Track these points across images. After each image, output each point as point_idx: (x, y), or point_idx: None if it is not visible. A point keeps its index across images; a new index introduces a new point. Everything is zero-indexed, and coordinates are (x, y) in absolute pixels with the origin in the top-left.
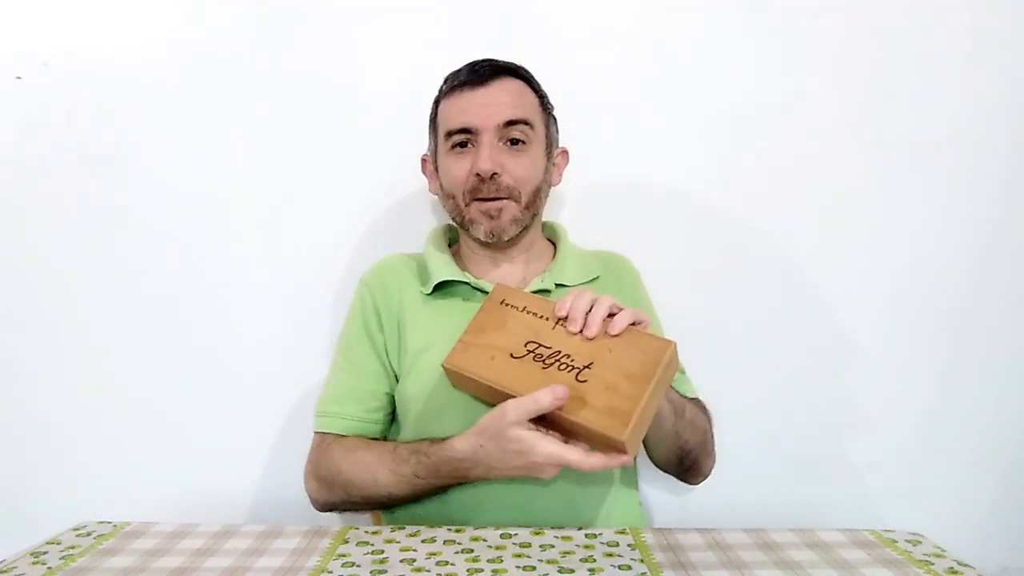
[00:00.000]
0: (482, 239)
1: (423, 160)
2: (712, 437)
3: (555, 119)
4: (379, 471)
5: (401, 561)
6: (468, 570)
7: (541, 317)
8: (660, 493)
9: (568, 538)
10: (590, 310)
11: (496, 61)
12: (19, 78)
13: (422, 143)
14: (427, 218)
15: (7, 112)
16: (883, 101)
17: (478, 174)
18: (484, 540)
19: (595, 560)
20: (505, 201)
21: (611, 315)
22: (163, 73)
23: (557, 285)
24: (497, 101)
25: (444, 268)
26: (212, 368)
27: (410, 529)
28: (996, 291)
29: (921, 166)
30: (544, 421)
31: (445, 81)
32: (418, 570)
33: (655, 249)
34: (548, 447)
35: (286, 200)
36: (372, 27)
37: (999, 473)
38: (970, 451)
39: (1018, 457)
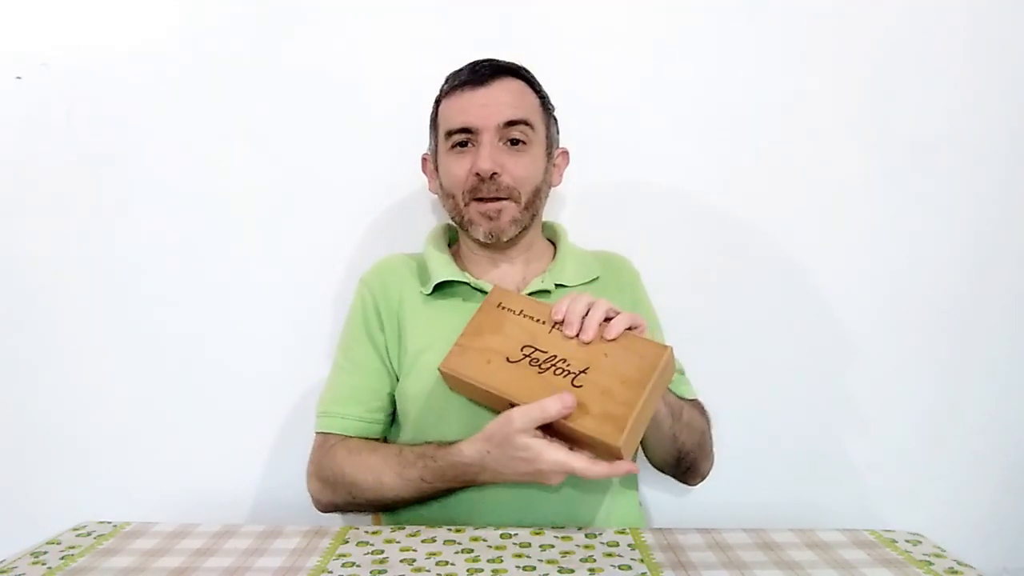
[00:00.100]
0: (481, 239)
1: (423, 159)
2: (710, 438)
3: (556, 120)
4: (385, 474)
5: (401, 561)
6: (468, 570)
7: (538, 321)
8: (660, 493)
9: (568, 538)
10: (587, 314)
11: (497, 61)
12: (19, 78)
13: (422, 143)
14: (427, 218)
15: (7, 112)
16: (883, 101)
17: (478, 174)
18: (484, 540)
19: (595, 560)
20: (505, 202)
21: (607, 319)
22: (163, 73)
23: (557, 285)
24: (498, 101)
25: (444, 268)
26: (212, 368)
27: (410, 529)
28: (996, 291)
29: (921, 166)
30: (542, 425)
31: (446, 81)
32: (418, 570)
33: (655, 249)
34: (554, 455)
35: (286, 200)
36: (372, 27)
37: (999, 473)
38: (970, 451)
39: (1018, 457)
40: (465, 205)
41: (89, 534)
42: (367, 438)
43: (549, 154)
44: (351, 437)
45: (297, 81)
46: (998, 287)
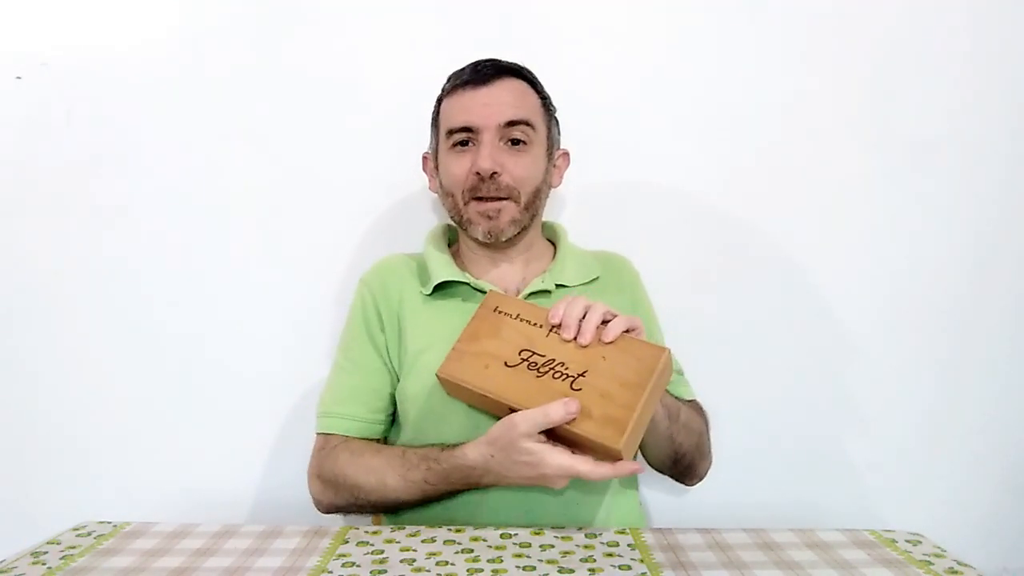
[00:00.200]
0: (480, 239)
1: (424, 158)
2: (708, 439)
3: (557, 121)
4: (388, 476)
5: (401, 561)
6: (468, 570)
7: (535, 324)
8: (660, 493)
9: (568, 538)
10: (584, 317)
11: (499, 61)
12: (19, 78)
13: (422, 143)
14: (428, 218)
15: (7, 112)
16: (883, 101)
17: (478, 173)
18: (484, 540)
19: (595, 560)
20: (504, 202)
21: (605, 321)
22: (163, 73)
23: (558, 286)
24: (499, 101)
25: (444, 268)
26: (212, 368)
27: (410, 529)
28: (996, 291)
29: (921, 166)
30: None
31: (448, 80)
32: (418, 570)
33: (655, 249)
34: (558, 459)
35: (286, 200)
36: (372, 27)
37: (999, 473)
38: (970, 451)
39: (1018, 457)
40: (464, 204)
41: (89, 534)
42: (368, 439)
43: (550, 155)
44: (353, 438)
45: (297, 81)
46: (998, 287)
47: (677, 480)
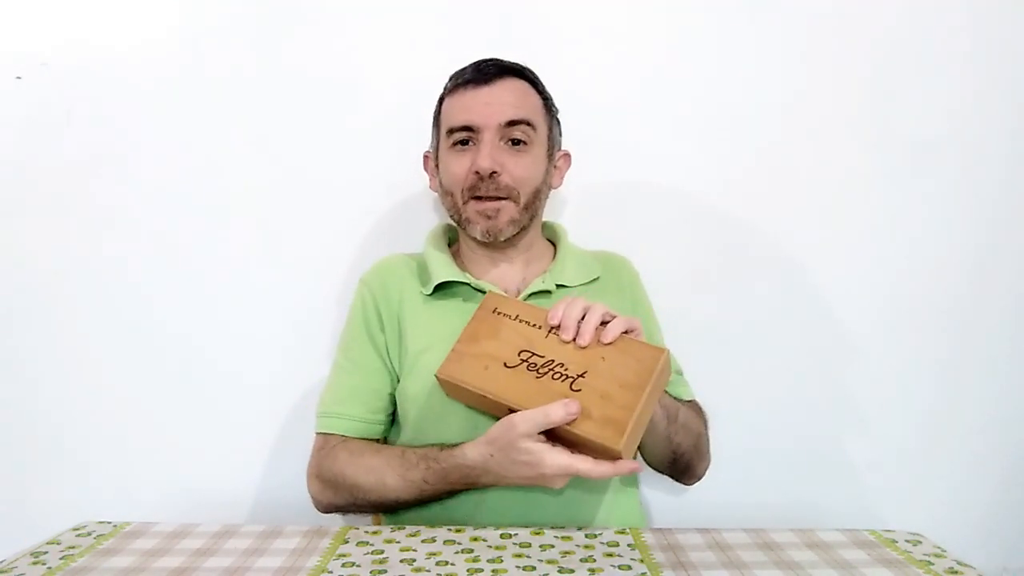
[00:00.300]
0: (478, 238)
1: (425, 157)
2: (707, 439)
3: (559, 122)
4: (387, 476)
5: (401, 561)
6: (468, 570)
7: (534, 326)
8: (660, 493)
9: (568, 538)
10: (583, 318)
11: (502, 61)
12: (19, 78)
13: (422, 143)
14: (428, 217)
15: (7, 112)
16: (883, 101)
17: (477, 172)
18: (484, 540)
19: (595, 560)
20: (504, 202)
21: (604, 322)
22: (163, 73)
23: (558, 286)
24: (500, 100)
25: (444, 268)
26: (213, 368)
27: (410, 529)
28: (996, 291)
29: (921, 166)
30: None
31: (450, 79)
32: (418, 570)
33: (655, 249)
34: (558, 459)
35: (287, 200)
36: (372, 27)
37: (999, 473)
38: (970, 451)
39: (1018, 457)
40: (464, 203)
41: (89, 534)
42: (368, 439)
43: (550, 155)
44: (352, 438)
45: (297, 81)
46: (998, 287)
47: (675, 479)
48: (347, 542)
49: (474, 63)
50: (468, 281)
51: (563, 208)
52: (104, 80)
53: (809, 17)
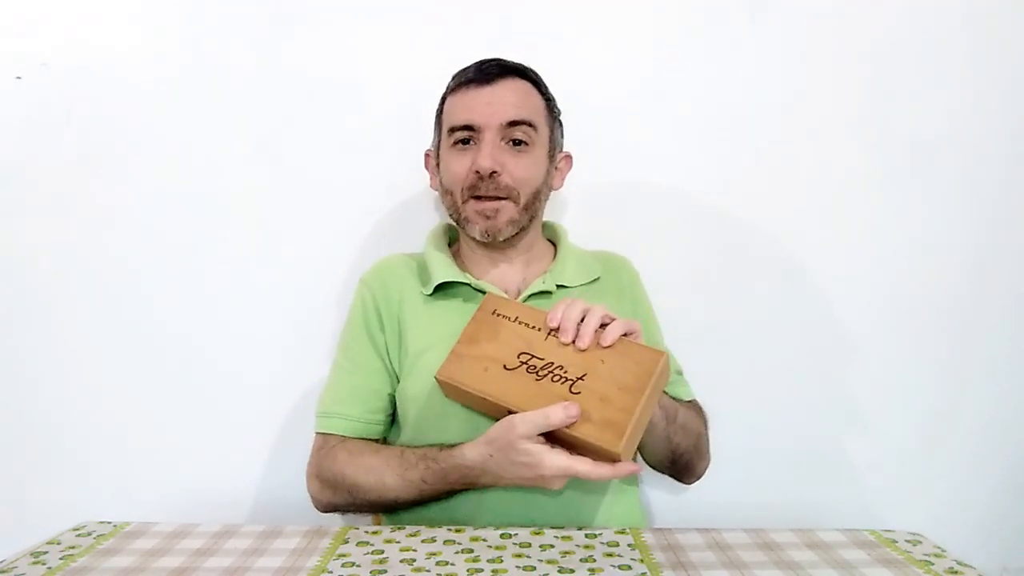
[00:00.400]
0: (477, 238)
1: (426, 155)
2: (707, 439)
3: (561, 124)
4: (386, 476)
5: (401, 561)
6: (468, 570)
7: (533, 327)
8: (660, 493)
9: (568, 538)
10: (582, 320)
11: (505, 61)
12: (19, 78)
13: (422, 143)
14: (428, 217)
15: (7, 112)
16: (883, 101)
17: (478, 171)
18: (484, 540)
19: (595, 560)
20: (503, 202)
21: (603, 325)
22: (163, 73)
23: (558, 286)
24: (502, 100)
25: (444, 269)
26: (213, 368)
27: (410, 529)
28: (996, 291)
29: (921, 166)
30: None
31: (453, 78)
32: (418, 570)
33: (655, 249)
34: (557, 460)
35: (287, 200)
36: (373, 27)
37: (999, 473)
38: (970, 451)
39: (1018, 457)
40: (463, 202)
41: (89, 534)
42: (367, 439)
43: (551, 157)
44: (351, 438)
45: (297, 81)
46: (998, 287)
47: (675, 479)
48: (347, 542)
49: (477, 63)
50: (468, 282)
51: (563, 208)
52: (104, 80)
53: (809, 17)
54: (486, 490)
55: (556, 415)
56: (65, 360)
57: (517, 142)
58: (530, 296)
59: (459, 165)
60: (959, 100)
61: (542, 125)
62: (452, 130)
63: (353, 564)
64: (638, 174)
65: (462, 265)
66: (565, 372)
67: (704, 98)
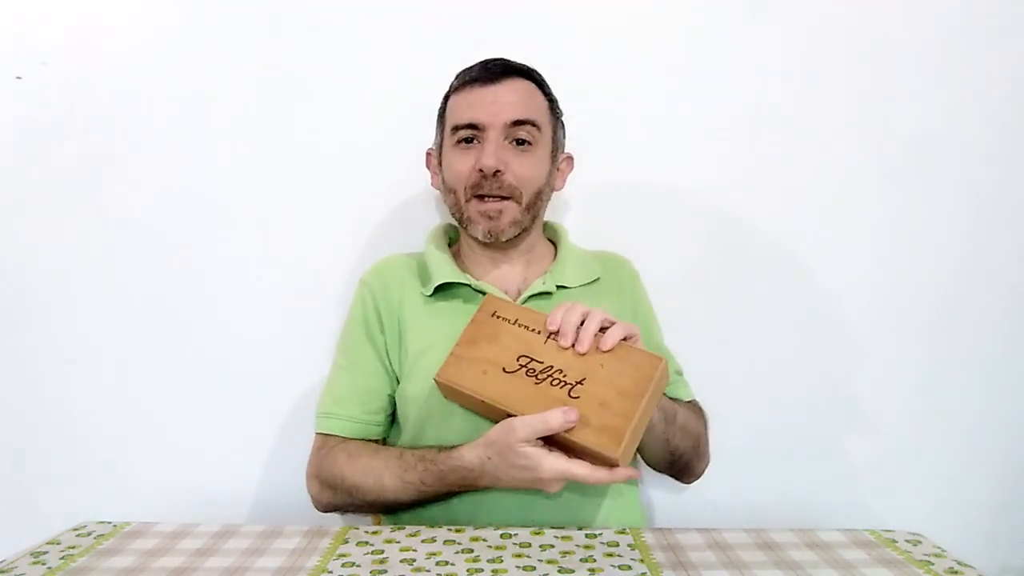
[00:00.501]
0: (480, 238)
1: (428, 154)
2: (706, 440)
3: (563, 125)
4: (385, 477)
5: (401, 561)
6: (468, 570)
7: (533, 330)
8: (660, 493)
9: (568, 538)
10: (582, 324)
11: (509, 61)
12: (19, 78)
13: (423, 143)
14: (429, 217)
15: (7, 112)
16: (883, 101)
17: (481, 170)
18: (484, 540)
19: (595, 560)
20: (506, 203)
21: (603, 329)
22: (163, 73)
23: (559, 287)
24: (506, 100)
25: (445, 269)
26: (213, 368)
27: (410, 529)
28: (996, 291)
29: (921, 166)
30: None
31: (457, 77)
32: (418, 570)
33: (655, 249)
34: (555, 464)
35: (287, 200)
36: (373, 27)
37: (999, 473)
38: (970, 451)
39: (1018, 457)
40: (466, 202)
41: (89, 534)
42: (367, 439)
43: (554, 157)
44: (351, 439)
45: (297, 81)
46: (998, 287)
47: (674, 478)
48: (347, 542)
49: (481, 62)
50: (469, 282)
51: (565, 208)
52: (104, 80)
53: (809, 17)
54: (486, 492)
55: (555, 420)
56: (65, 360)
57: (520, 141)
58: (530, 297)
59: (462, 164)
60: (959, 100)
61: (545, 125)
62: (455, 129)
63: (353, 564)
64: (638, 174)
65: (462, 265)
66: (564, 376)
67: (704, 98)
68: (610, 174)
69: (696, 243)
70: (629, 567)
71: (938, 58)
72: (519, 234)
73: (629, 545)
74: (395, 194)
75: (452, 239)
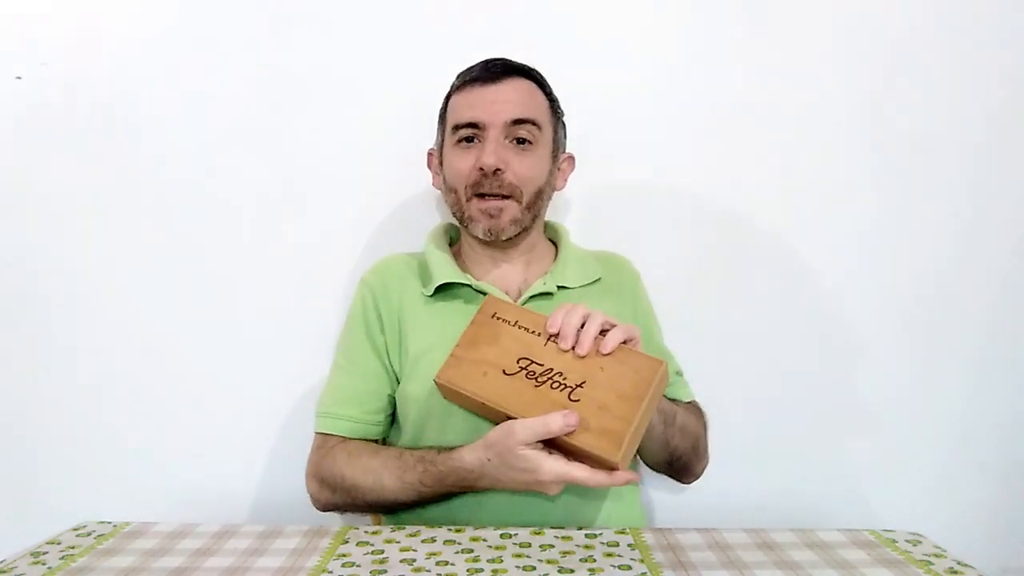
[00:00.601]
0: (480, 237)
1: (429, 154)
2: (705, 440)
3: (564, 124)
4: (385, 477)
5: (401, 561)
6: (468, 570)
7: (533, 332)
8: (660, 493)
9: (568, 538)
10: (582, 326)
11: (510, 61)
12: (19, 78)
13: (423, 143)
14: (429, 217)
15: (7, 112)
16: (883, 101)
17: (481, 169)
18: (484, 540)
19: (595, 560)
20: (507, 201)
21: (603, 331)
22: (163, 73)
23: (559, 287)
24: (507, 99)
25: (445, 269)
26: (213, 368)
27: (410, 529)
28: (997, 291)
29: (921, 166)
30: None
31: (458, 76)
32: (418, 570)
33: (655, 249)
34: (555, 466)
35: (287, 200)
36: (373, 27)
37: (999, 473)
38: (970, 451)
39: (1018, 457)
40: (467, 200)
41: (89, 534)
42: (367, 439)
43: (554, 157)
44: (351, 439)
45: (297, 81)
46: (998, 287)
47: (673, 478)
48: (347, 542)
49: (482, 61)
50: (469, 283)
51: (566, 209)
52: (104, 80)
53: (809, 18)
54: (486, 492)
55: (555, 423)
56: (65, 359)
57: (521, 141)
58: (531, 297)
59: (463, 162)
60: (959, 100)
61: (546, 125)
62: (456, 128)
63: (353, 564)
64: (639, 174)
65: (463, 265)
66: (564, 379)
67: (704, 98)
68: (611, 174)
69: (696, 243)
70: (629, 567)
71: (938, 58)
72: (519, 233)
73: (629, 545)
74: (395, 194)
75: (453, 239)
